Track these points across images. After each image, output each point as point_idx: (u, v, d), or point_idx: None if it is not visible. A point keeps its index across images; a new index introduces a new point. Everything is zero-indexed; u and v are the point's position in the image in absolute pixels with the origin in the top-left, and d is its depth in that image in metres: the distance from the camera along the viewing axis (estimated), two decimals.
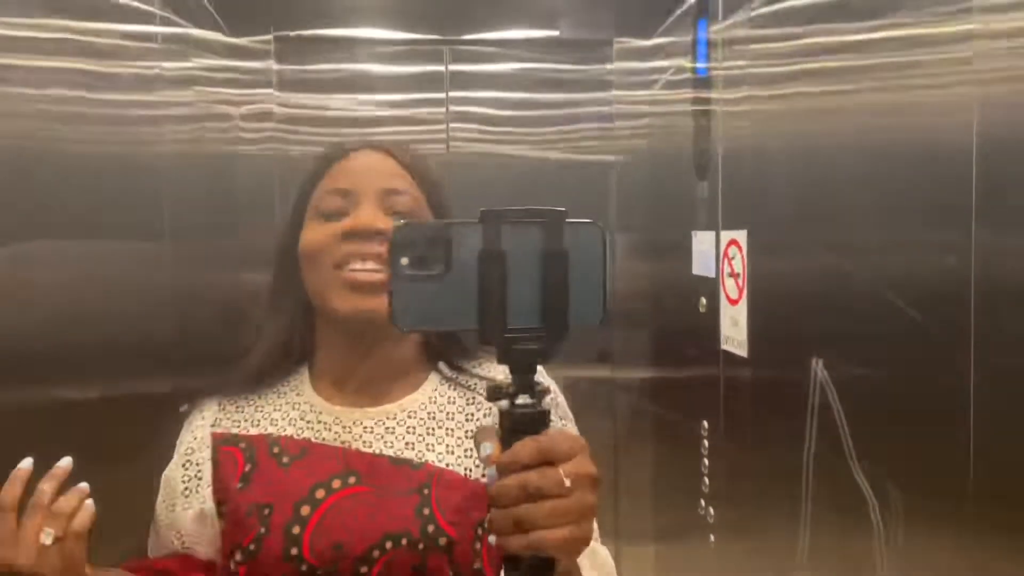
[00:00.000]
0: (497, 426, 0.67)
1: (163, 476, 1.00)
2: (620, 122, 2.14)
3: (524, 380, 0.66)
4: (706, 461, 1.70)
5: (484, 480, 0.66)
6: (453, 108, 2.10)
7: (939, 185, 0.91)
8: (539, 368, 0.90)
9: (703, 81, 1.65)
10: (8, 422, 0.99)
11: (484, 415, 0.97)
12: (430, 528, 0.87)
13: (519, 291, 0.65)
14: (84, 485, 0.83)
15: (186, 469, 0.97)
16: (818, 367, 1.18)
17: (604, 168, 2.16)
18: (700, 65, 1.67)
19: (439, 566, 0.87)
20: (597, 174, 2.15)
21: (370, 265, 0.92)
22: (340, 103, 2.03)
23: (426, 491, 0.90)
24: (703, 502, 1.71)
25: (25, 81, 1.11)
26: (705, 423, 1.69)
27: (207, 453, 0.97)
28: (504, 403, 0.67)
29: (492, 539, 0.66)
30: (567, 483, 0.63)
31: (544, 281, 0.65)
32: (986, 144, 0.82)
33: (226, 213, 1.76)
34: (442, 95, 2.09)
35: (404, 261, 0.64)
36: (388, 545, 0.87)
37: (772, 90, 1.34)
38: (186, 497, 0.96)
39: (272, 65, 2.00)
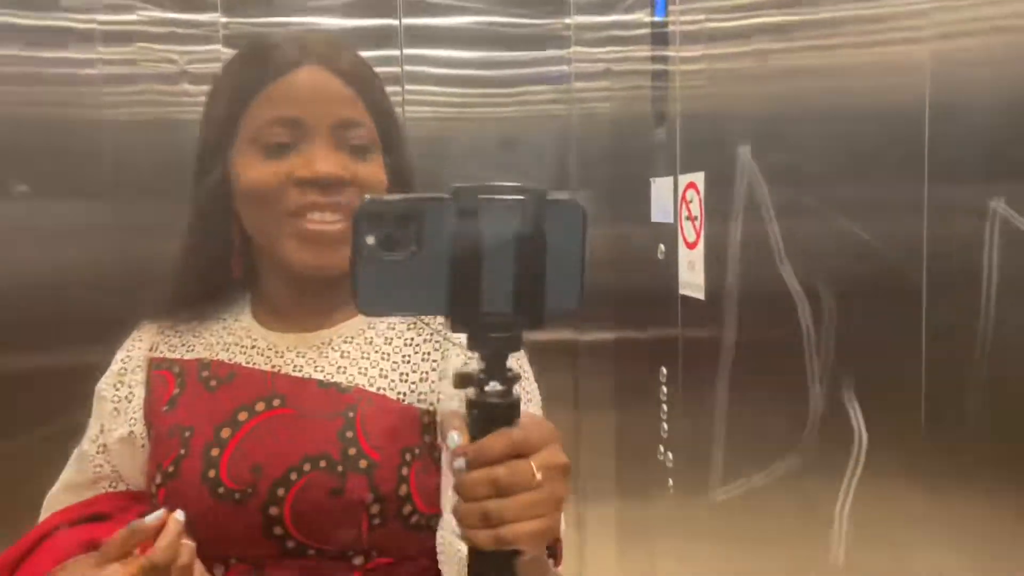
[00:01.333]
0: (464, 413, 0.63)
1: (95, 393, 0.97)
2: (579, 83, 2.12)
3: (495, 368, 0.62)
4: (665, 407, 1.71)
5: (455, 466, 0.63)
6: (408, 68, 2.05)
7: (893, 141, 0.91)
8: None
9: (661, 36, 1.64)
10: None
11: (425, 340, 0.93)
12: (351, 451, 0.84)
13: (493, 275, 0.60)
14: (178, 516, 0.77)
15: (117, 390, 0.95)
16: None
17: (563, 125, 2.13)
18: (658, 19, 1.65)
19: (359, 489, 0.83)
20: (556, 132, 2.13)
21: (329, 216, 0.87)
22: None
23: (351, 414, 0.87)
24: (662, 448, 1.73)
25: None
26: (664, 369, 1.70)
27: (140, 376, 0.95)
28: (472, 391, 0.63)
29: (444, 530, 0.64)
30: (538, 477, 0.61)
31: (520, 264, 0.60)
32: (938, 102, 0.82)
33: (173, 174, 1.71)
34: (396, 52, 2.04)
35: (370, 240, 0.59)
36: (306, 467, 0.84)
37: (730, 47, 1.33)
38: (114, 417, 0.94)
39: (219, 18, 1.93)
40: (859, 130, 0.97)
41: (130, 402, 0.94)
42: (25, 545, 0.87)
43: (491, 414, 0.62)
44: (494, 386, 0.62)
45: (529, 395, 0.96)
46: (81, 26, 1.39)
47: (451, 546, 0.83)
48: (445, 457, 0.64)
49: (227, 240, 0.94)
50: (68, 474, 0.97)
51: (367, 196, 0.61)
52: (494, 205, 0.60)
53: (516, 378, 0.63)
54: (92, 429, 0.96)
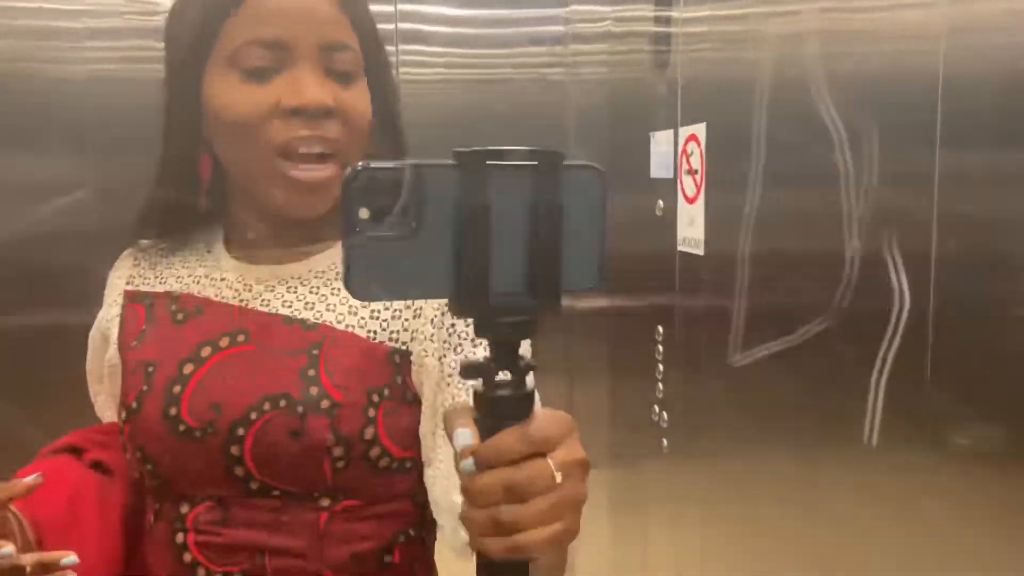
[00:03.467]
0: (472, 407, 0.56)
1: (90, 335, 0.98)
2: (574, 45, 2.07)
3: (507, 356, 0.55)
4: (660, 367, 1.70)
5: (463, 467, 0.54)
6: (403, 25, 2.00)
7: (904, 109, 0.88)
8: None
9: None
10: None
11: None
12: (313, 390, 0.80)
13: (504, 251, 0.52)
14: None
15: (99, 327, 0.96)
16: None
17: (561, 84, 2.09)
18: None
19: (319, 430, 0.79)
20: (552, 91, 2.09)
21: (317, 149, 0.81)
22: None
23: (315, 352, 0.83)
24: (656, 408, 1.72)
25: None
26: (660, 328, 1.69)
27: (117, 310, 0.94)
28: (480, 383, 0.55)
29: (464, 536, 0.58)
30: (558, 477, 0.54)
31: (534, 239, 0.52)
32: (952, 71, 0.80)
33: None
34: (391, 8, 1.99)
35: (363, 214, 0.51)
36: (266, 407, 0.80)
37: (736, 8, 1.30)
38: (100, 355, 0.96)
39: None
40: (870, 97, 0.94)
41: (107, 337, 0.94)
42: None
43: (502, 408, 0.55)
44: (505, 376, 0.55)
45: None
46: None
47: (446, 496, 0.79)
48: (456, 445, 0.58)
49: (196, 168, 0.88)
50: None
51: (359, 163, 0.51)
52: (504, 172, 0.52)
53: (530, 366, 0.56)
54: (88, 371, 0.99)
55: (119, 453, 0.92)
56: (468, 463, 0.53)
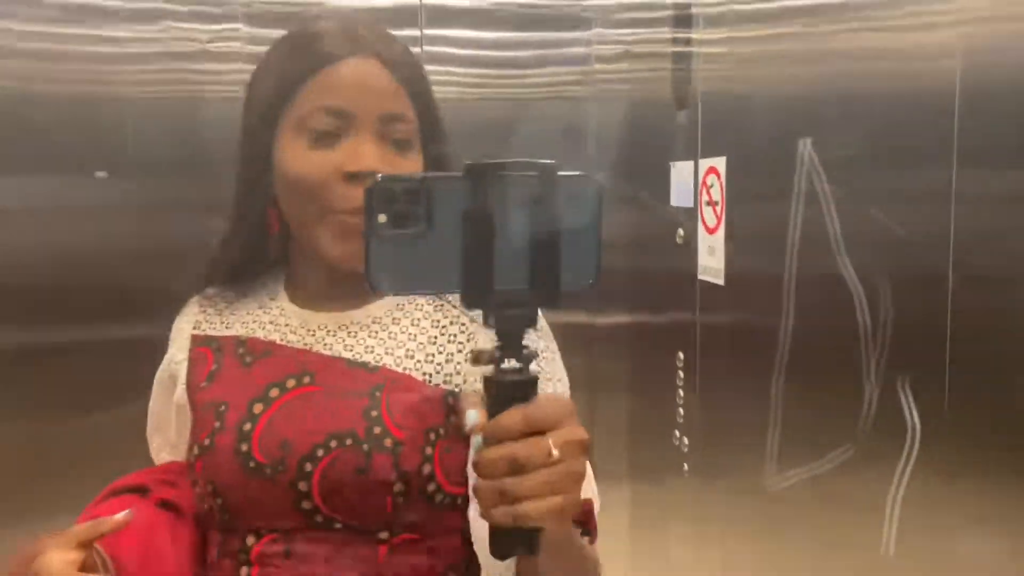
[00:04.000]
0: (482, 391, 0.64)
1: (156, 377, 1.03)
2: (599, 65, 2.10)
3: (511, 345, 0.63)
4: (681, 392, 1.71)
5: (472, 444, 0.65)
6: (428, 48, 2.04)
7: (920, 127, 0.90)
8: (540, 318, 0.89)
9: (684, 19, 1.62)
10: None
11: (451, 322, 0.95)
12: (376, 429, 0.86)
13: (506, 252, 0.60)
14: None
15: (167, 368, 1.01)
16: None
17: (582, 107, 2.12)
18: (681, 0, 1.63)
19: (383, 467, 0.85)
20: (575, 114, 2.12)
21: None
22: None
23: (378, 393, 0.88)
24: (678, 432, 1.74)
25: None
26: (681, 354, 1.70)
27: (184, 353, 0.99)
28: (489, 369, 0.63)
29: (475, 509, 0.65)
30: (555, 453, 0.62)
31: (533, 241, 0.61)
32: (969, 87, 0.81)
33: (193, 153, 1.72)
34: (417, 32, 2.03)
35: (382, 218, 0.60)
36: (332, 444, 0.86)
37: (753, 30, 1.32)
38: (167, 398, 1.00)
39: None
40: (887, 116, 0.96)
41: (175, 378, 0.99)
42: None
43: (507, 391, 0.62)
44: (510, 363, 0.62)
45: (551, 374, 0.96)
46: (107, 3, 1.39)
47: (483, 528, 0.84)
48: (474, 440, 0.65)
49: (264, 222, 0.96)
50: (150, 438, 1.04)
51: (379, 175, 0.62)
52: (506, 181, 0.60)
53: (533, 355, 0.63)
54: (152, 414, 1.03)
55: (183, 491, 0.96)
56: (476, 439, 0.62)
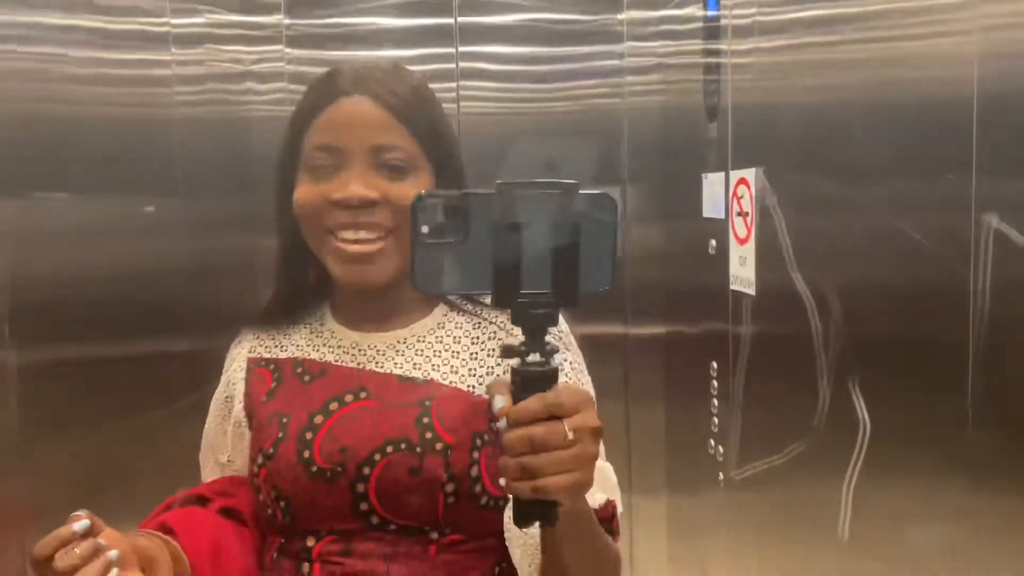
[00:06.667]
0: (510, 381, 0.72)
1: (212, 401, 1.10)
2: (631, 77, 2.13)
3: (535, 340, 0.71)
4: (715, 402, 1.72)
5: (499, 426, 0.72)
6: (463, 64, 2.08)
7: (940, 136, 0.91)
8: (560, 321, 0.94)
9: (713, 30, 1.64)
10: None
11: (488, 338, 1.01)
12: (428, 435, 0.93)
13: (532, 259, 0.69)
14: (112, 554, 0.79)
15: (224, 390, 1.08)
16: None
17: (615, 120, 2.14)
18: (711, 12, 1.65)
19: (434, 468, 0.92)
20: (608, 127, 2.14)
21: (362, 235, 0.95)
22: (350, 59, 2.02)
23: (428, 403, 0.95)
24: (712, 442, 1.74)
25: (34, 40, 1.12)
26: (715, 364, 1.71)
27: (242, 374, 1.05)
28: (516, 361, 0.72)
29: (502, 481, 0.72)
30: (570, 436, 0.70)
31: (556, 250, 0.69)
32: (986, 94, 0.82)
33: (238, 172, 1.78)
34: (451, 50, 2.08)
35: (424, 229, 0.70)
36: (389, 449, 0.93)
37: (781, 40, 1.34)
38: (225, 417, 1.07)
39: (283, 19, 2.00)
40: (909, 123, 0.97)
41: (233, 397, 1.06)
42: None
43: (530, 381, 0.71)
44: (534, 357, 0.71)
45: (570, 363, 1.02)
46: (154, 29, 1.46)
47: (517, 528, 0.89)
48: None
49: (305, 255, 1.02)
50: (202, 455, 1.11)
51: (423, 192, 0.71)
52: (533, 198, 0.69)
53: (554, 351, 0.72)
54: (207, 433, 1.10)
55: (240, 500, 1.03)
56: (502, 422, 0.71)
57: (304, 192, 0.97)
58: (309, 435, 0.95)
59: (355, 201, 0.93)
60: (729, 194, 1.57)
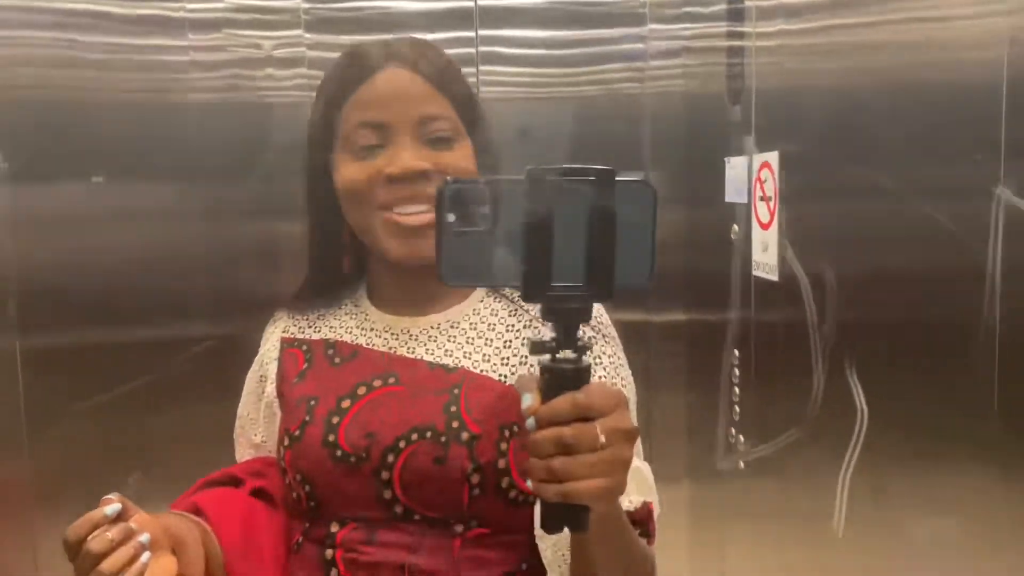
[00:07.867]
0: (538, 377, 0.68)
1: (246, 379, 1.10)
2: (654, 61, 2.09)
3: (567, 337, 0.67)
4: (736, 390, 1.70)
5: (526, 425, 0.68)
6: (483, 48, 2.06)
7: (968, 119, 0.88)
8: (601, 311, 0.91)
9: (737, 12, 1.61)
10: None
11: (525, 326, 0.99)
12: (454, 424, 0.91)
13: (564, 250, 0.64)
14: (143, 538, 0.79)
15: (259, 370, 1.07)
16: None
17: (637, 104, 2.11)
18: None
19: (459, 458, 0.89)
20: (630, 111, 2.11)
21: (422, 207, 0.93)
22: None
23: (456, 391, 0.93)
24: (733, 430, 1.73)
25: (51, 26, 1.11)
26: (737, 352, 1.69)
27: (275, 354, 1.05)
28: (546, 358, 0.68)
29: (529, 484, 0.68)
30: (602, 439, 0.65)
31: (590, 241, 0.64)
32: (1017, 77, 0.80)
33: (255, 159, 1.77)
34: (471, 33, 2.06)
35: (451, 217, 0.65)
36: (414, 436, 0.91)
37: (805, 22, 1.31)
38: (259, 396, 1.06)
39: (301, 4, 1.98)
40: (935, 106, 0.94)
41: (266, 377, 1.05)
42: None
43: (560, 379, 0.67)
44: (565, 354, 0.67)
45: (616, 378, 0.99)
46: (172, 14, 1.46)
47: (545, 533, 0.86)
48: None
49: (340, 235, 1.02)
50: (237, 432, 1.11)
51: (448, 178, 0.67)
52: (565, 185, 0.63)
53: (586, 347, 0.67)
54: (241, 412, 1.10)
55: (272, 481, 1.03)
56: (530, 421, 0.67)
57: (352, 171, 0.95)
58: (336, 419, 0.94)
59: (411, 175, 0.92)
60: (752, 178, 1.54)
